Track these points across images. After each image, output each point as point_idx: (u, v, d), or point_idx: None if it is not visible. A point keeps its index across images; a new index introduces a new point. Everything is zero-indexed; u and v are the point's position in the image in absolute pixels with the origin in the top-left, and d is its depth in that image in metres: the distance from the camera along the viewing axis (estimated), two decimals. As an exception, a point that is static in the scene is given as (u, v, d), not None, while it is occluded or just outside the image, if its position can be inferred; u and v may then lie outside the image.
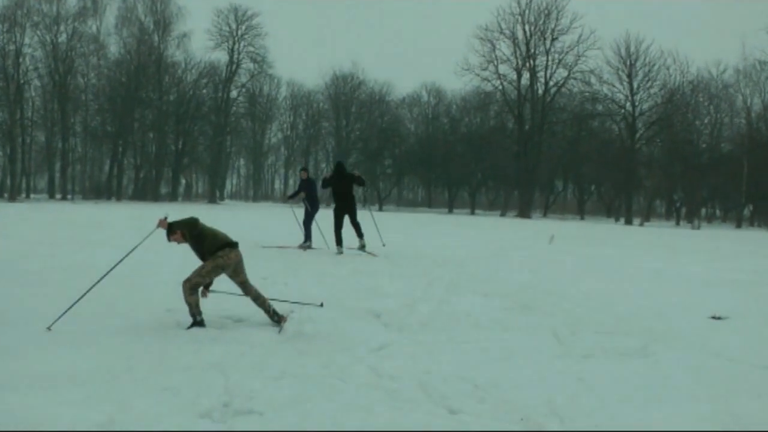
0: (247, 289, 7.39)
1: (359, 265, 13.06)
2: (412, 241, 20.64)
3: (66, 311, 6.85)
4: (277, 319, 7.29)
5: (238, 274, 7.32)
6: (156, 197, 64.00)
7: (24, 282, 9.66)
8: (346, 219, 15.35)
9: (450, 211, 69.15)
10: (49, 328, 6.59)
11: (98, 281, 7.45)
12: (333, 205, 15.70)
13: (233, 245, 7.26)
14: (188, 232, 7.16)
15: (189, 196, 76.08)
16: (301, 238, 16.53)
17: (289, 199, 18.22)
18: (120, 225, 23.04)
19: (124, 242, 13.79)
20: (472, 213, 68.23)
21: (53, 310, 7.09)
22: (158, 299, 8.53)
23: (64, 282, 9.52)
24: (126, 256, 7.72)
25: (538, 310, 8.85)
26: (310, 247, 16.08)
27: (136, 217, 27.34)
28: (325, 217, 18.29)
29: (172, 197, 66.82)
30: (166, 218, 7.25)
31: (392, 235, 21.31)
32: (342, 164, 15.83)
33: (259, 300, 7.36)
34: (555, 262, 15.41)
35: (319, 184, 16.72)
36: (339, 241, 15.33)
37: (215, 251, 7.14)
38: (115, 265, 7.63)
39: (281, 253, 14.91)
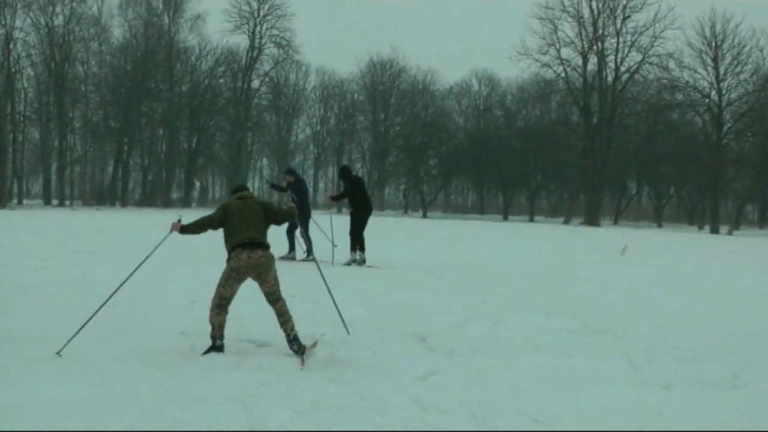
0: (272, 299, 7.41)
1: (400, 280, 13.06)
2: (461, 252, 20.59)
3: (75, 334, 6.90)
4: (296, 348, 7.18)
5: (261, 281, 7.25)
6: (166, 203, 64.21)
7: (17, 300, 9.81)
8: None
9: (505, 218, 68.88)
10: (59, 354, 6.63)
11: (108, 299, 7.53)
12: (352, 210, 16.00)
13: (245, 245, 7.12)
14: (205, 232, 7.36)
15: (204, 201, 76.46)
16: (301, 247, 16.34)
17: (272, 187, 18.14)
18: (125, 234, 23.41)
19: (129, 254, 14.00)
20: (531, 220, 67.89)
21: (49, 331, 7.19)
22: (168, 320, 8.61)
23: (63, 300, 9.70)
24: (136, 269, 7.79)
25: (608, 332, 8.73)
26: (293, 258, 16.11)
27: (144, 226, 27.69)
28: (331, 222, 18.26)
29: (185, 202, 66.99)
30: (179, 221, 7.33)
31: (438, 246, 21.31)
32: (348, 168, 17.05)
33: (282, 317, 7.31)
34: (628, 277, 15.24)
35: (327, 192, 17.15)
36: (361, 247, 15.80)
37: (229, 252, 7.21)
38: (125, 281, 7.71)
39: (312, 267, 14.95)
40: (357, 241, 15.65)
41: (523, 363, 7.05)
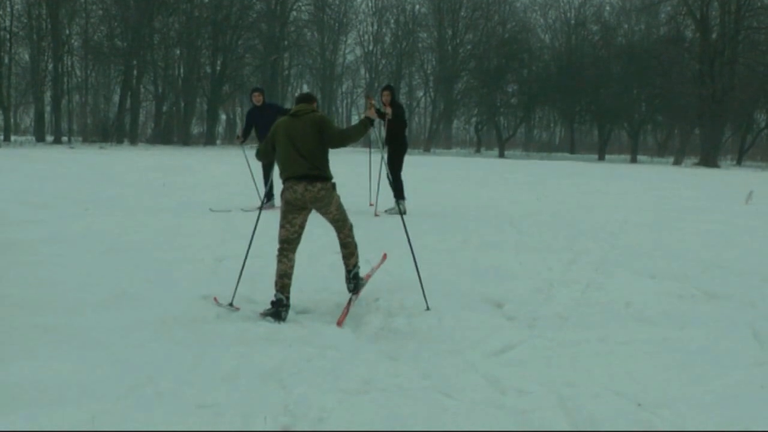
0: (337, 227, 7.57)
1: (471, 235, 13.04)
2: (546, 199, 20.45)
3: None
4: (352, 288, 7.42)
5: (323, 213, 7.46)
6: (185, 139, 63.58)
7: (3, 259, 9.94)
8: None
9: (601, 158, 68.16)
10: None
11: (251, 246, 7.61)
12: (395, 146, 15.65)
13: (300, 178, 7.20)
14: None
15: (232, 138, 76.34)
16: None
17: (239, 140, 17.12)
18: (136, 179, 23.59)
19: (141, 203, 14.19)
20: (634, 160, 67.05)
21: (44, 298, 7.31)
22: (188, 282, 8.69)
23: (61, 259, 9.87)
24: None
25: (729, 298, 8.63)
26: (273, 206, 15.02)
27: (159, 168, 27.71)
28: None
29: (208, 139, 66.86)
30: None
31: (518, 192, 21.19)
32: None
33: (345, 249, 7.50)
34: (754, 231, 15.00)
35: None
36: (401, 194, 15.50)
37: (282, 183, 7.34)
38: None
39: (366, 218, 14.97)
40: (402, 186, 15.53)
41: (623, 335, 7.00)
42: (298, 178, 7.15)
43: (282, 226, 7.20)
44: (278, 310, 7.01)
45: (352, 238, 7.57)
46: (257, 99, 16.62)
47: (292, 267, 7.20)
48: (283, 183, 7.20)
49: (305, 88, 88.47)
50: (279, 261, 7.16)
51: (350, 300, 7.41)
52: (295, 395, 5.28)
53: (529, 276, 9.54)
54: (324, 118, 7.37)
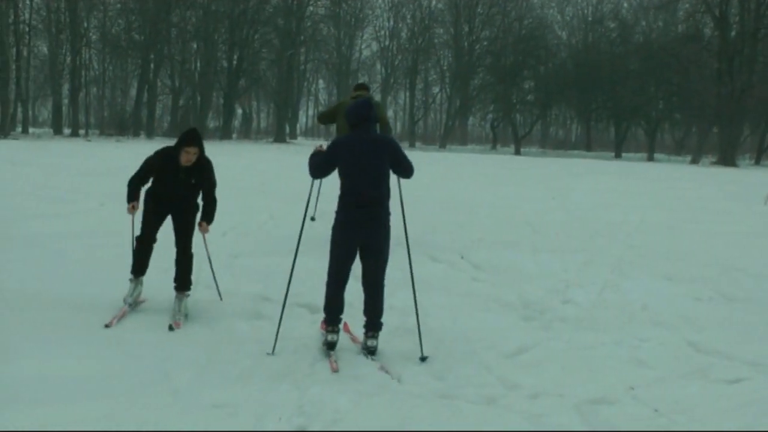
0: None
1: (486, 233, 13.02)
2: (563, 198, 20.40)
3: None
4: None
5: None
6: (201, 133, 63.38)
7: (21, 254, 9.98)
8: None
9: (617, 156, 67.97)
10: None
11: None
12: None
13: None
14: None
15: (248, 132, 76.42)
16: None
17: None
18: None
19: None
20: (650, 158, 66.83)
21: (63, 293, 7.29)
22: (203, 277, 8.66)
23: (79, 254, 9.92)
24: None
25: (748, 301, 8.60)
26: None
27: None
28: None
29: (224, 133, 66.79)
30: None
31: (534, 190, 21.14)
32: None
33: None
34: (773, 232, 14.94)
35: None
36: None
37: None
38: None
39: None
40: None
41: (639, 338, 6.98)
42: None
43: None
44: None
45: None
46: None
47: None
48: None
49: (321, 84, 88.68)
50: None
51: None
52: (309, 395, 5.29)
53: (545, 276, 9.52)
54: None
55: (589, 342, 6.81)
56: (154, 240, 7.52)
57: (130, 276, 7.43)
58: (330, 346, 6.32)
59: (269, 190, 18.59)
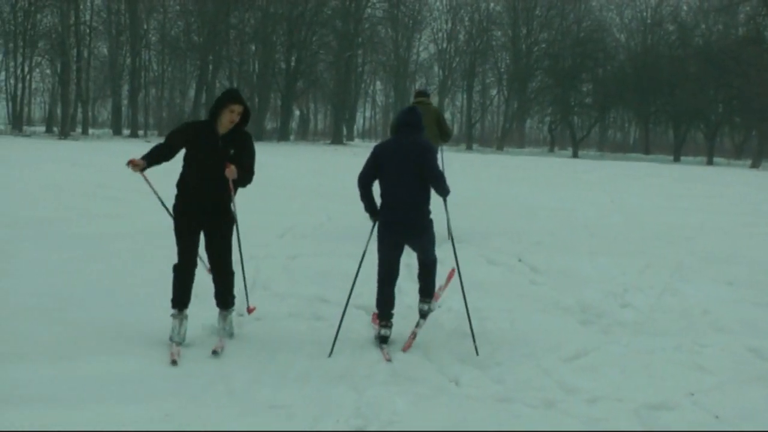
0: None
1: (544, 236, 12.95)
2: (621, 201, 20.23)
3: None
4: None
5: None
6: (258, 134, 62.89)
7: (83, 253, 10.11)
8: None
9: (676, 159, 67.21)
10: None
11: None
12: None
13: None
14: None
15: (305, 134, 76.53)
16: None
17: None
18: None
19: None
20: (710, 162, 66.01)
21: (119, 294, 7.36)
22: (260, 279, 8.70)
23: (133, 253, 10.04)
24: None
25: (810, 308, 8.47)
26: None
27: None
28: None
29: (281, 135, 67.14)
30: None
31: (592, 193, 20.99)
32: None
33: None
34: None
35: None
36: None
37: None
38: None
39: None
40: None
41: (699, 343, 6.89)
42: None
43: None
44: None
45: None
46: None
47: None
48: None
49: (378, 85, 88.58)
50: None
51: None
52: (367, 397, 5.30)
53: (603, 280, 9.45)
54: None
55: (649, 346, 6.73)
56: (194, 264, 6.72)
57: (172, 311, 6.54)
58: (382, 340, 6.60)
59: (326, 192, 18.68)
